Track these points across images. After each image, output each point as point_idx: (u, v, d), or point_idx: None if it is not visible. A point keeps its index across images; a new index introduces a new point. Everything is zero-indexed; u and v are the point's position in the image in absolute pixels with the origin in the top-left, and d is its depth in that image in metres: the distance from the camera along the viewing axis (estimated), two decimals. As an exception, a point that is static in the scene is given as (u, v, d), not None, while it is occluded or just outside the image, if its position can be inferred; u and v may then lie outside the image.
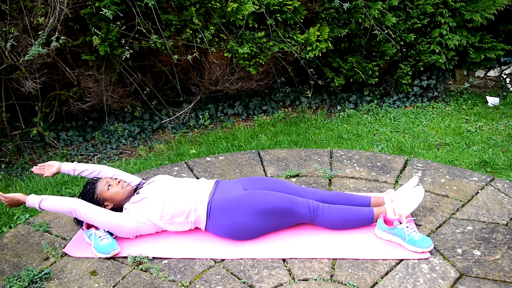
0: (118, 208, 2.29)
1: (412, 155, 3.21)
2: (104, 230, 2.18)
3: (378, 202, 2.30)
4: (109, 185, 2.27)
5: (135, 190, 2.37)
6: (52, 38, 2.90)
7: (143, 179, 2.55)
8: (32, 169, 2.45)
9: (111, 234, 2.21)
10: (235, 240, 2.18)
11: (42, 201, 2.12)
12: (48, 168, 2.44)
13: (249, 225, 2.12)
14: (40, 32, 2.94)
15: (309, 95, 4.31)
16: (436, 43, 4.15)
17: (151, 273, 1.99)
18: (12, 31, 2.95)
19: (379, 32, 3.94)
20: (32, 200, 2.14)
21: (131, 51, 3.26)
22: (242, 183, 2.34)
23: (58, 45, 2.91)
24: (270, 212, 2.13)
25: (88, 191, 2.28)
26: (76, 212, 2.13)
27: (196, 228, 2.28)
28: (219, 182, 2.34)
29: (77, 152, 3.62)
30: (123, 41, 3.28)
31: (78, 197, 2.30)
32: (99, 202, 2.26)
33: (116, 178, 2.33)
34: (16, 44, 3.00)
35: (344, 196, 2.32)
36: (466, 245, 2.11)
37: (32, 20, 3.00)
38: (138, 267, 2.04)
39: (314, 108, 4.38)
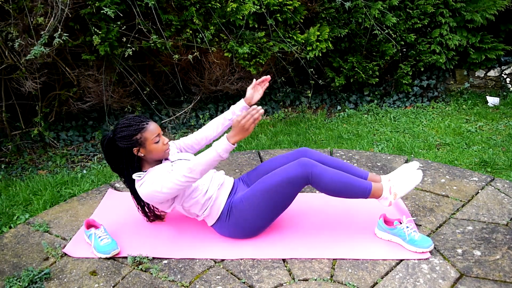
0: (141, 161, 2.13)
1: (412, 155, 3.21)
2: (104, 230, 2.17)
3: (375, 179, 2.23)
4: (158, 139, 2.05)
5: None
6: (55, 35, 2.89)
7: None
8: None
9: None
10: (240, 239, 2.18)
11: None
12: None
13: (256, 218, 2.10)
14: (42, 33, 2.94)
15: (309, 95, 4.30)
16: (437, 43, 4.15)
17: (151, 273, 1.99)
18: (13, 31, 2.95)
19: (379, 32, 3.94)
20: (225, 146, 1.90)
21: (133, 49, 3.25)
22: (243, 179, 2.33)
23: (61, 41, 2.90)
24: (269, 192, 2.04)
25: (133, 127, 2.01)
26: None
27: (197, 227, 2.27)
28: (236, 182, 2.30)
29: (77, 152, 3.62)
30: (124, 40, 3.28)
31: (116, 125, 2.06)
32: (134, 142, 2.01)
33: (167, 143, 2.13)
34: (20, 43, 2.99)
35: (342, 163, 2.24)
36: (466, 245, 2.11)
37: (32, 20, 3.00)
38: (138, 267, 2.03)
39: (314, 108, 4.38)
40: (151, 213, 2.32)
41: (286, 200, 2.09)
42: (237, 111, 2.33)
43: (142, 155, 2.06)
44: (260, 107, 1.89)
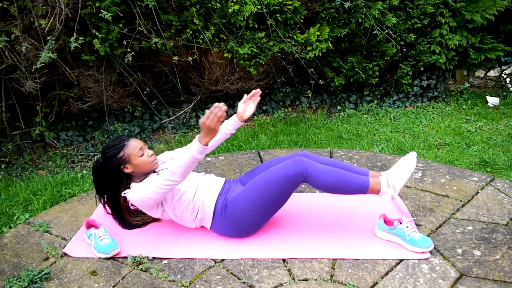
0: (132, 176, 2.18)
1: (412, 155, 3.21)
2: (104, 230, 2.18)
3: (374, 176, 2.20)
4: (142, 153, 2.13)
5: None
6: (71, 39, 2.90)
7: None
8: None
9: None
10: (239, 238, 2.18)
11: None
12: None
13: (251, 216, 2.10)
14: (48, 38, 2.94)
15: (309, 95, 4.31)
16: (436, 43, 4.15)
17: (151, 273, 1.99)
18: (16, 32, 2.95)
19: (379, 32, 3.94)
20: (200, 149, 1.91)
21: (133, 53, 3.25)
22: (240, 180, 2.33)
23: (77, 44, 2.92)
24: (264, 189, 2.05)
25: (117, 146, 2.11)
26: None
27: (197, 228, 2.28)
28: (226, 182, 2.32)
29: (77, 152, 3.62)
30: (124, 43, 3.28)
31: (102, 149, 2.15)
32: (120, 160, 2.10)
33: (151, 150, 2.21)
34: (27, 47, 3.00)
35: (341, 163, 2.26)
36: (466, 245, 2.11)
37: (32, 20, 3.00)
38: (138, 267, 2.03)
39: (314, 108, 4.38)
40: (125, 222, 2.30)
41: (281, 197, 2.10)
42: (229, 127, 2.34)
43: (131, 171, 2.14)
44: (222, 103, 1.87)
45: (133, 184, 2.14)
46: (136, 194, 2.06)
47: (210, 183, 2.25)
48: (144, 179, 2.16)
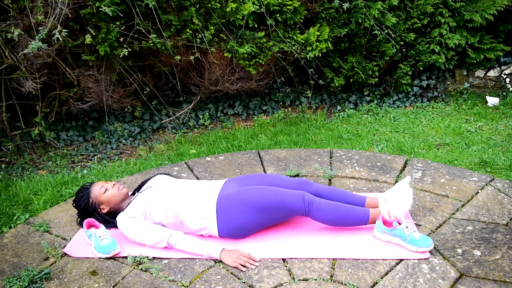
0: (113, 211, 2.32)
1: (412, 155, 3.21)
2: (104, 230, 2.18)
3: (373, 203, 2.28)
4: (105, 189, 2.29)
5: (134, 193, 2.39)
6: (54, 32, 2.87)
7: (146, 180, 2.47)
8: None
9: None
10: (232, 239, 2.18)
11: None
12: None
13: (243, 223, 2.13)
14: (40, 28, 2.93)
15: (309, 95, 4.31)
16: (436, 43, 4.15)
17: (151, 273, 1.99)
18: (13, 31, 2.95)
19: (379, 32, 3.94)
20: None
21: (129, 49, 3.24)
22: (236, 182, 2.32)
23: (60, 37, 2.89)
24: (264, 207, 2.11)
25: (83, 197, 2.31)
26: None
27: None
28: (226, 182, 2.34)
29: (77, 152, 3.62)
30: (122, 40, 3.28)
31: (72, 204, 2.35)
32: (94, 206, 2.30)
33: (111, 182, 2.35)
34: (20, 33, 2.98)
35: (340, 193, 2.30)
36: (466, 245, 2.11)
37: (32, 19, 3.00)
38: (138, 267, 2.04)
39: (314, 108, 4.38)
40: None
41: (275, 221, 2.21)
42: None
43: (107, 208, 2.31)
44: (258, 263, 2.04)
45: (122, 214, 2.19)
46: (132, 235, 2.16)
47: (212, 190, 2.24)
48: (124, 204, 2.32)
